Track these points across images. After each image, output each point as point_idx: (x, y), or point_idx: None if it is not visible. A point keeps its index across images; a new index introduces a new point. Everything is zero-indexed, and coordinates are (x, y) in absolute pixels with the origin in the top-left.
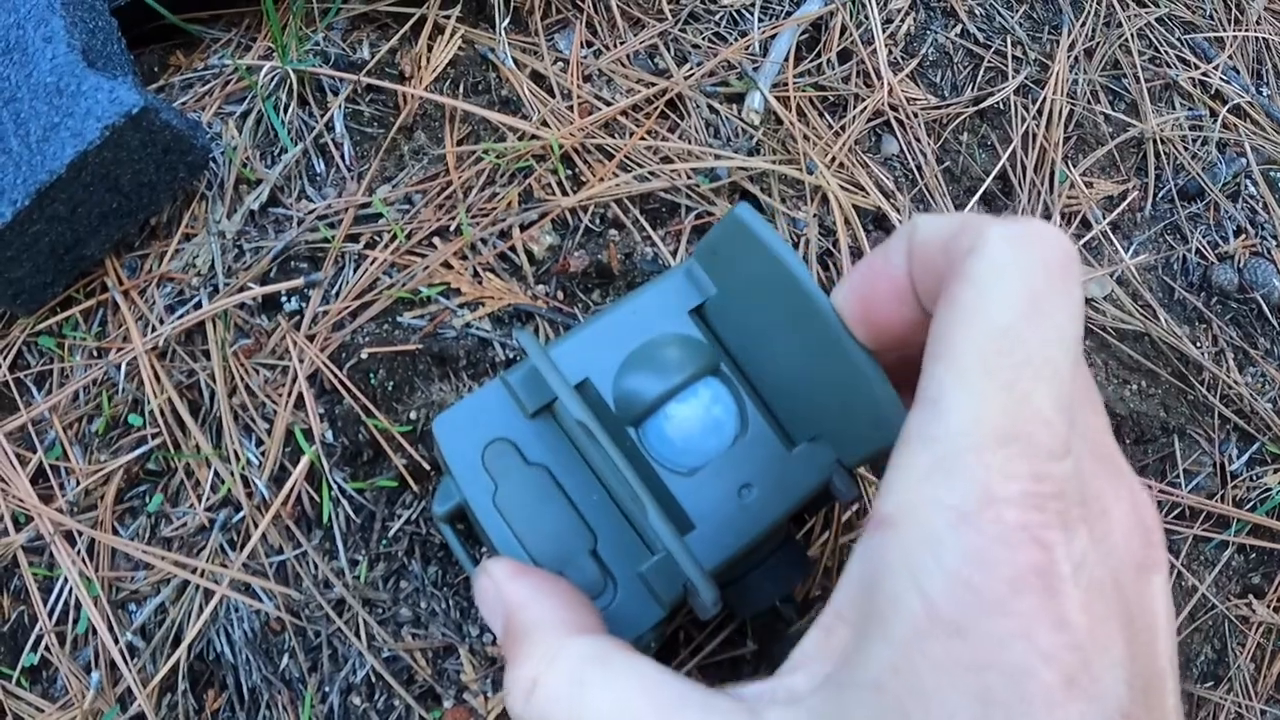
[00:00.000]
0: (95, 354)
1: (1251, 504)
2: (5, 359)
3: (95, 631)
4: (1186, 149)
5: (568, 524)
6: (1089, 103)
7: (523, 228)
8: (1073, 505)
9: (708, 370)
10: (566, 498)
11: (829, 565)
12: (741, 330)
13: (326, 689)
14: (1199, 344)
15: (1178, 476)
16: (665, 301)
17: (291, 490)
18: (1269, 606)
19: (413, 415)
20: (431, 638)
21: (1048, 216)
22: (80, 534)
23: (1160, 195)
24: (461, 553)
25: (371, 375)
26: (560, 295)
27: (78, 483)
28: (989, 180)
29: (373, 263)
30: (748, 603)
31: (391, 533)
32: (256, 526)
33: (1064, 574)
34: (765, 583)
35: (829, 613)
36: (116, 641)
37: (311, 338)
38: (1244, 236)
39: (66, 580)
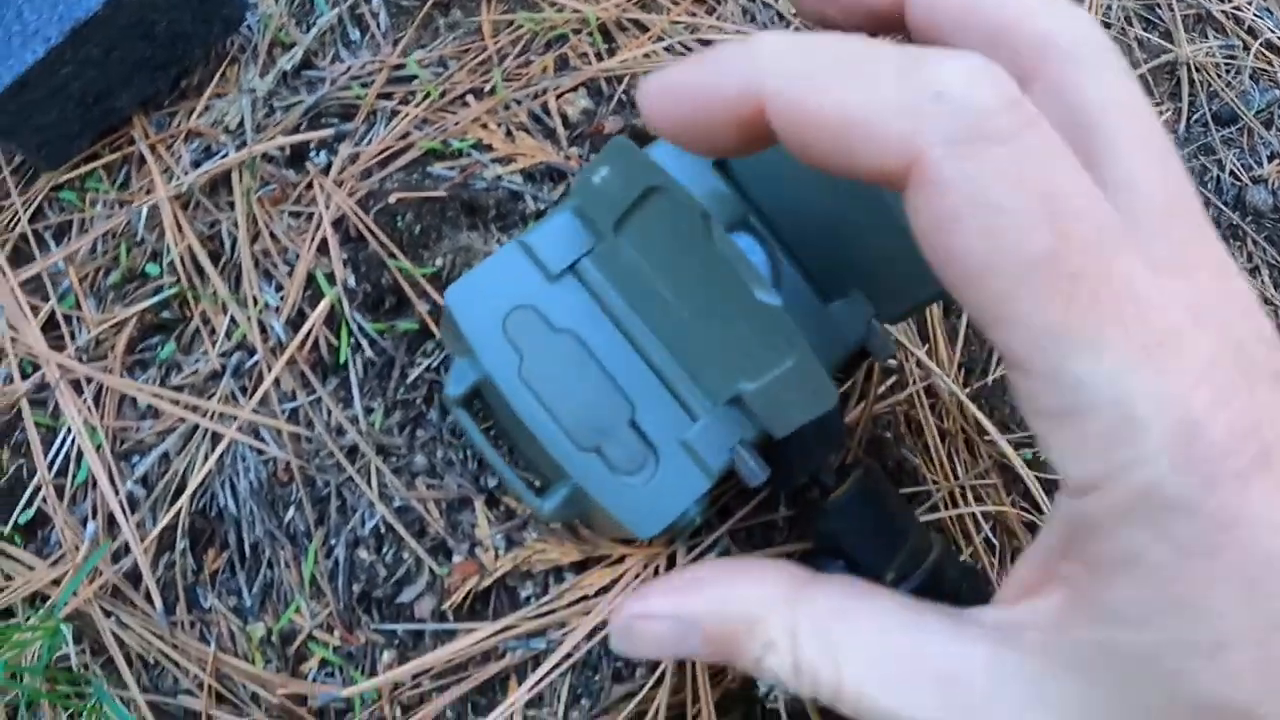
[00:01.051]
0: (117, 206)
1: None
2: (25, 212)
3: (95, 483)
4: (1220, 77)
5: (603, 392)
6: (1123, 27)
7: (557, 93)
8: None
9: (736, 224)
10: (598, 364)
11: (864, 436)
12: (769, 181)
13: (332, 542)
14: (1234, 259)
15: None
16: (686, 156)
17: (309, 333)
18: None
19: (439, 261)
20: (446, 489)
21: None
22: (88, 381)
23: (1194, 119)
24: (479, 438)
25: (399, 219)
26: (593, 157)
27: (89, 332)
28: None
29: (404, 118)
30: (785, 474)
31: (410, 379)
32: (270, 370)
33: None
34: (803, 453)
35: (1044, 543)
36: (117, 493)
37: (339, 184)
38: (1278, 161)
39: (70, 430)
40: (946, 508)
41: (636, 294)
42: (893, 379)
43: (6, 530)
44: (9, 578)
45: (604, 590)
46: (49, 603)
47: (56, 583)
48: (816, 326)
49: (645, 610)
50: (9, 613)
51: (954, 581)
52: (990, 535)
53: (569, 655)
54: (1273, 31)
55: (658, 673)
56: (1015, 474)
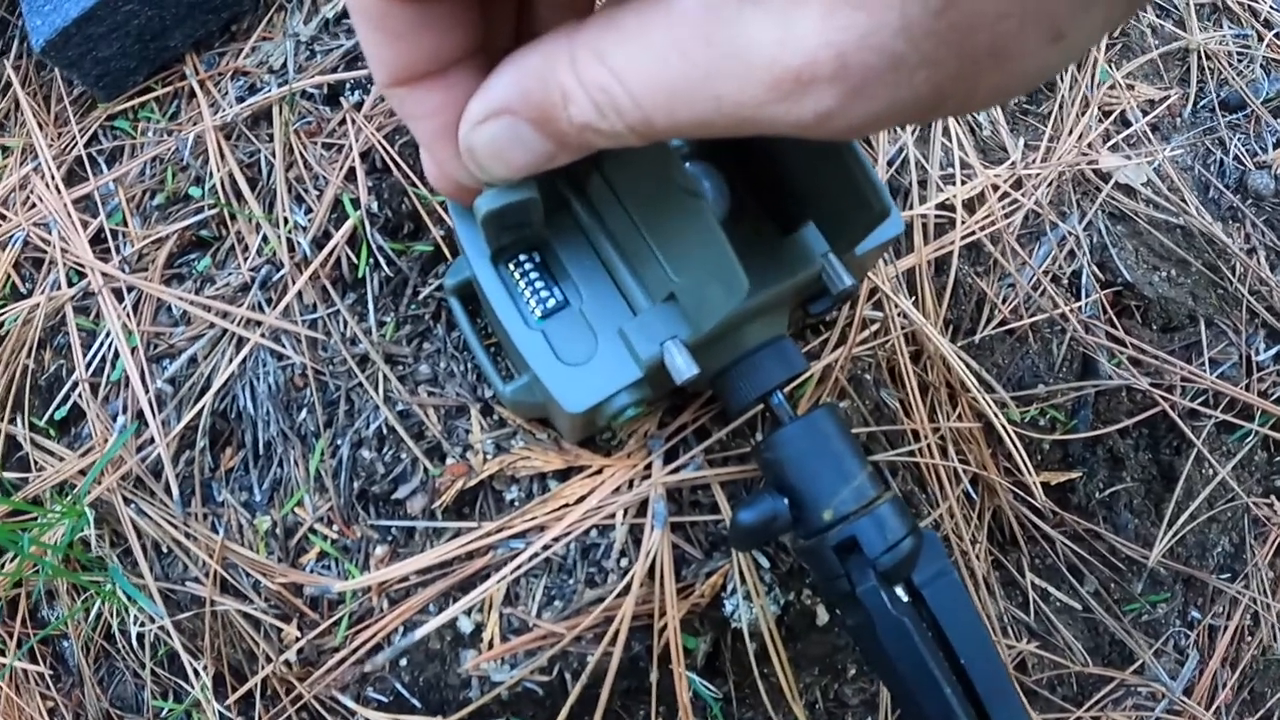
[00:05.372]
0: (166, 134)
1: (1277, 397)
2: (82, 137)
3: (128, 381)
4: (1231, 65)
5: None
6: (1136, 13)
7: None
8: None
9: (695, 156)
10: (561, 264)
11: (838, 378)
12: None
13: (338, 442)
14: (1232, 240)
15: (1203, 364)
16: None
17: (332, 251)
18: None
19: None
20: (446, 396)
21: (1085, 109)
22: (129, 289)
23: (1201, 104)
24: (465, 324)
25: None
26: None
27: (133, 245)
28: None
29: None
30: (736, 393)
31: (421, 297)
32: (294, 283)
33: None
34: (752, 374)
35: None
36: (147, 390)
37: (369, 119)
38: None
39: (109, 334)
40: (926, 455)
41: (611, 216)
42: (876, 325)
43: (42, 423)
44: (40, 468)
45: (582, 499)
46: (75, 490)
47: (84, 473)
48: (775, 255)
49: (470, 117)
50: (37, 502)
51: (896, 532)
52: (970, 490)
53: (537, 554)
54: None
55: (624, 580)
56: (998, 435)
